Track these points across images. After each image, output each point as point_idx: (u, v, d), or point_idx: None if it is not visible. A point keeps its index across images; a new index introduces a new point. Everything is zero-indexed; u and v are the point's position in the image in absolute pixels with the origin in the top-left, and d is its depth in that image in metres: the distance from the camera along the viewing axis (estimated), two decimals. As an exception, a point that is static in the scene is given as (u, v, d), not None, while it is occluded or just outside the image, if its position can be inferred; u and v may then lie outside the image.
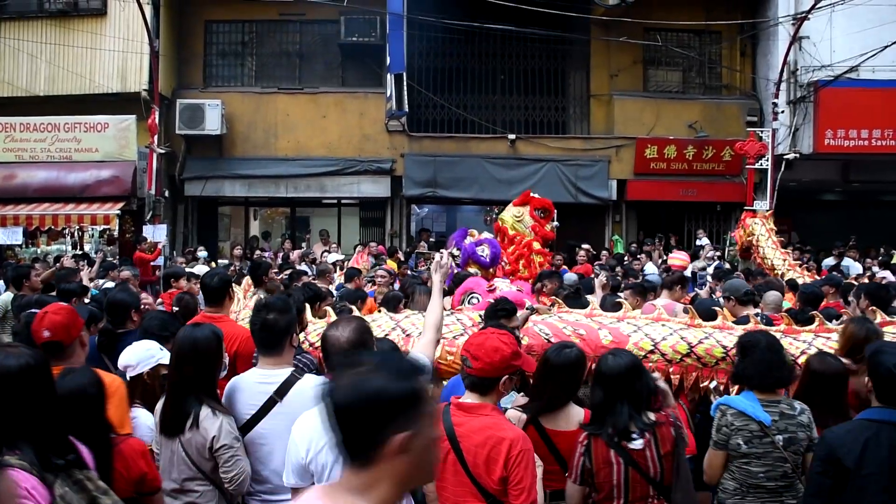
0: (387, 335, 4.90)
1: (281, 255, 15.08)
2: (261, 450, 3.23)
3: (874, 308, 5.41)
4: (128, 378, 3.45)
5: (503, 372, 2.92)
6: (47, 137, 14.23)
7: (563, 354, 3.35)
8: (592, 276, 10.31)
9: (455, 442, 2.84)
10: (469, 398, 2.93)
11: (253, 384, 3.27)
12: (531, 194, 9.44)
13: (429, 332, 3.41)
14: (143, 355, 3.46)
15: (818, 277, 9.52)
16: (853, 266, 13.48)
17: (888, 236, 16.15)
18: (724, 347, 4.74)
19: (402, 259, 13.11)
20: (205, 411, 3.15)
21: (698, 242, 15.59)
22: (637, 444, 3.11)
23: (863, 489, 2.84)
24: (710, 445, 3.50)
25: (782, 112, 14.95)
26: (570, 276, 9.42)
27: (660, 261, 13.28)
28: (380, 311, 5.39)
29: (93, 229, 14.30)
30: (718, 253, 14.53)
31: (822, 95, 14.77)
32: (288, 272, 9.19)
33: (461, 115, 16.71)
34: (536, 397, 3.43)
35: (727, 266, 12.85)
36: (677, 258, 12.44)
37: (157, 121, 14.12)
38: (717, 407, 3.54)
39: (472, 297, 7.38)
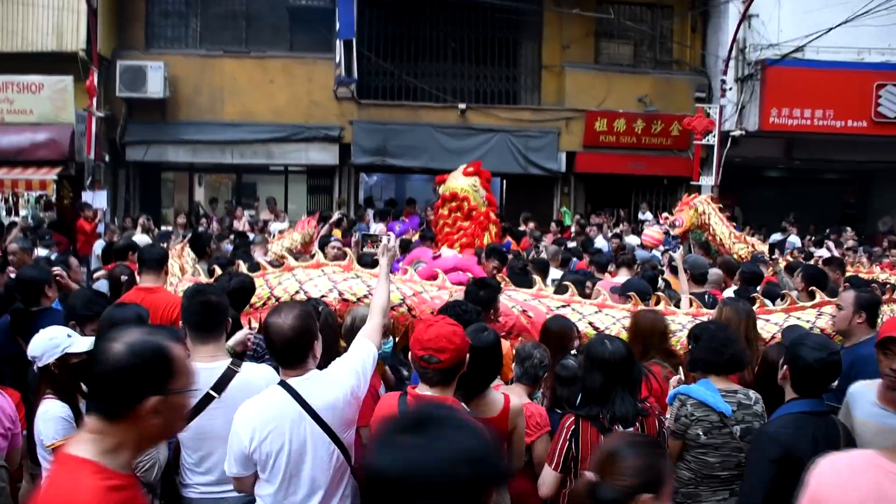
0: (324, 297, 4.92)
1: (224, 223, 14.82)
2: (200, 444, 3.17)
3: (813, 288, 5.56)
4: (35, 369, 3.32)
5: (465, 354, 2.87)
6: (-23, 98, 13.57)
7: (481, 338, 3.24)
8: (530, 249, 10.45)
9: None
10: (431, 392, 2.86)
11: None
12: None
13: (375, 315, 3.32)
14: (48, 346, 3.29)
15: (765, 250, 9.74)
16: (796, 242, 13.86)
17: (828, 212, 16.64)
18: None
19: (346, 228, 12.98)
20: None
21: (641, 216, 15.82)
22: (628, 430, 3.12)
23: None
24: (667, 434, 3.44)
25: (730, 89, 15.12)
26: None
27: (610, 234, 13.37)
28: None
29: (28, 195, 13.74)
30: (665, 225, 14.75)
31: (768, 74, 14.98)
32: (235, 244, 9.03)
33: (411, 83, 16.48)
34: (459, 385, 3.38)
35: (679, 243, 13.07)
36: (651, 234, 12.52)
37: (95, 82, 13.53)
38: (676, 396, 3.52)
39: (417, 265, 7.38)
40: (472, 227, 8.40)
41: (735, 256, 9.96)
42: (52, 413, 3.23)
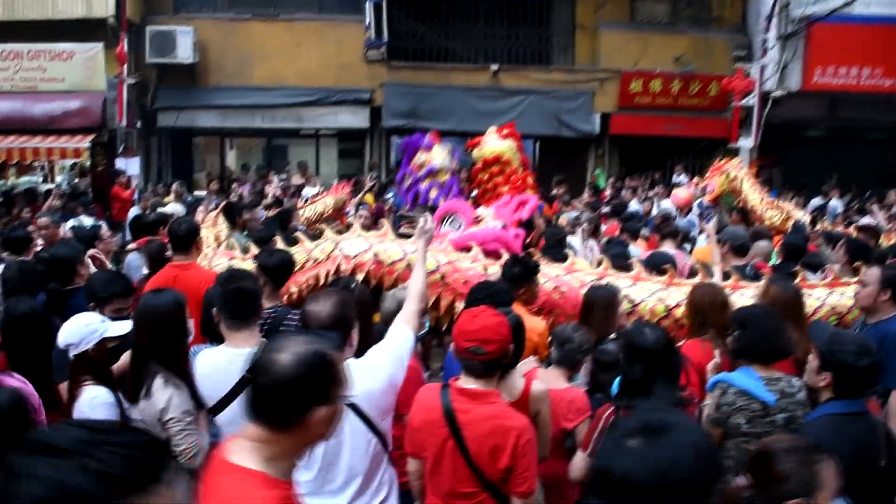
0: (357, 256, 4.94)
1: (256, 188, 14.80)
2: (235, 429, 3.10)
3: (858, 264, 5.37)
4: (71, 357, 3.27)
5: (509, 346, 2.81)
6: (10, 66, 13.59)
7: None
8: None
9: (457, 429, 2.73)
10: (475, 385, 2.78)
11: (223, 363, 3.11)
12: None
13: (412, 301, 3.22)
14: (85, 332, 3.24)
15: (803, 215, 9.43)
16: (838, 206, 13.48)
17: (871, 173, 16.12)
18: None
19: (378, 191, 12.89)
20: (157, 382, 3.08)
21: (675, 179, 15.48)
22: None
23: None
24: (706, 421, 3.34)
25: (772, 48, 14.61)
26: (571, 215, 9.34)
27: (644, 198, 13.12)
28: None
29: (62, 163, 13.85)
30: (697, 190, 14.44)
31: (813, 31, 14.43)
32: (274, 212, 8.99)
33: (442, 45, 16.21)
34: None
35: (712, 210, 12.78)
36: (680, 194, 12.25)
37: (125, 49, 13.51)
38: (716, 384, 3.39)
39: (453, 220, 7.21)
40: (510, 191, 8.28)
41: (767, 224, 9.71)
42: (100, 399, 3.22)
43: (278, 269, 4.48)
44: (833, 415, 2.93)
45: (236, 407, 3.04)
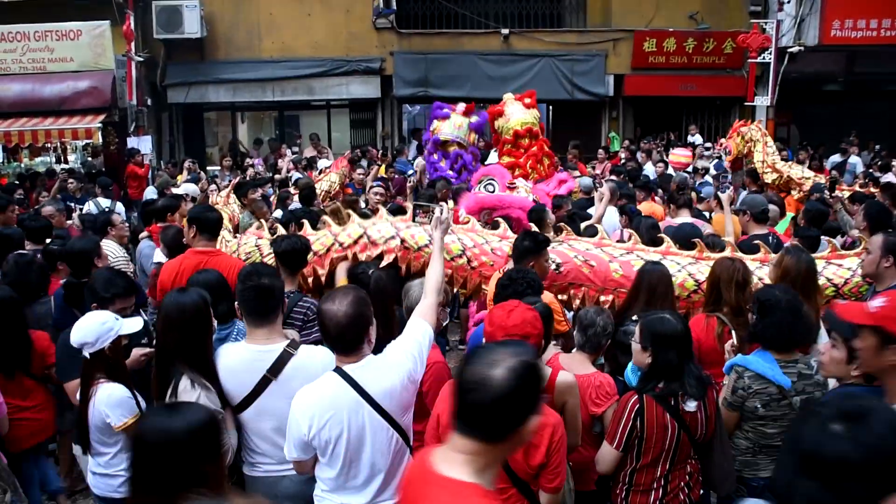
0: (386, 242, 4.93)
1: (269, 161, 14.79)
2: (257, 425, 3.16)
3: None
4: (86, 355, 3.27)
5: (543, 339, 2.82)
6: (17, 47, 13.53)
7: None
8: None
9: None
10: None
11: (245, 361, 3.13)
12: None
13: (430, 295, 3.19)
14: (101, 331, 3.26)
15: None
16: (858, 163, 13.26)
17: (887, 126, 15.83)
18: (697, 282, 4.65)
19: (389, 163, 12.83)
20: (184, 383, 3.03)
21: (690, 139, 15.29)
22: (692, 406, 3.04)
23: None
24: (723, 404, 3.35)
25: (788, 2, 14.27)
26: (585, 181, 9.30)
27: (658, 160, 12.97)
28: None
29: (75, 143, 13.86)
30: (715, 150, 14.25)
31: (830, -17, 14.09)
32: (279, 193, 8.92)
33: (452, 10, 15.98)
34: None
35: (726, 163, 12.61)
36: (679, 155, 12.12)
37: (132, 26, 13.42)
38: (733, 367, 3.37)
39: (489, 183, 7.23)
40: (528, 160, 8.28)
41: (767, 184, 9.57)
42: (117, 396, 3.26)
43: (288, 254, 4.47)
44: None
45: (259, 404, 3.11)
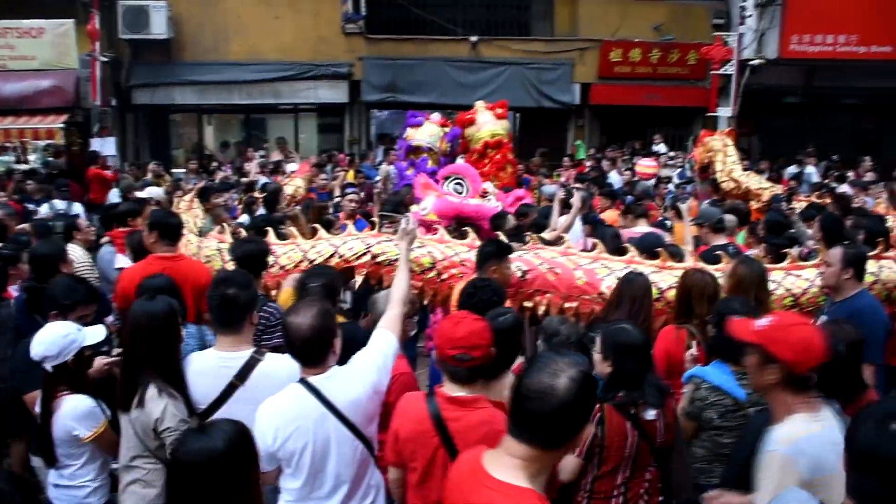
0: (358, 258, 4.92)
1: (235, 164, 14.65)
2: None
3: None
4: (49, 369, 3.22)
5: (492, 350, 2.80)
6: (-23, 44, 13.32)
7: (499, 321, 3.17)
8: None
9: (448, 438, 2.72)
10: (462, 391, 2.77)
11: (212, 368, 3.14)
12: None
13: (395, 306, 3.21)
14: (63, 343, 3.21)
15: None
16: (814, 173, 13.56)
17: (848, 140, 16.22)
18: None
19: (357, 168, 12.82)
20: (151, 391, 3.02)
21: (654, 148, 15.50)
22: (651, 414, 3.08)
23: None
24: (681, 414, 3.42)
25: (750, 16, 14.55)
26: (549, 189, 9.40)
27: (624, 168, 13.15)
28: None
29: (36, 143, 13.63)
30: (680, 159, 14.49)
31: (790, -2, 14.39)
32: (245, 198, 8.86)
33: (421, 16, 16.03)
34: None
35: (688, 173, 12.84)
36: (645, 165, 12.28)
37: (97, 25, 13.24)
38: (690, 378, 3.46)
39: (458, 182, 7.19)
40: (491, 168, 8.41)
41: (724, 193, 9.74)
42: (82, 408, 3.22)
43: (246, 259, 4.43)
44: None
45: (225, 410, 3.07)
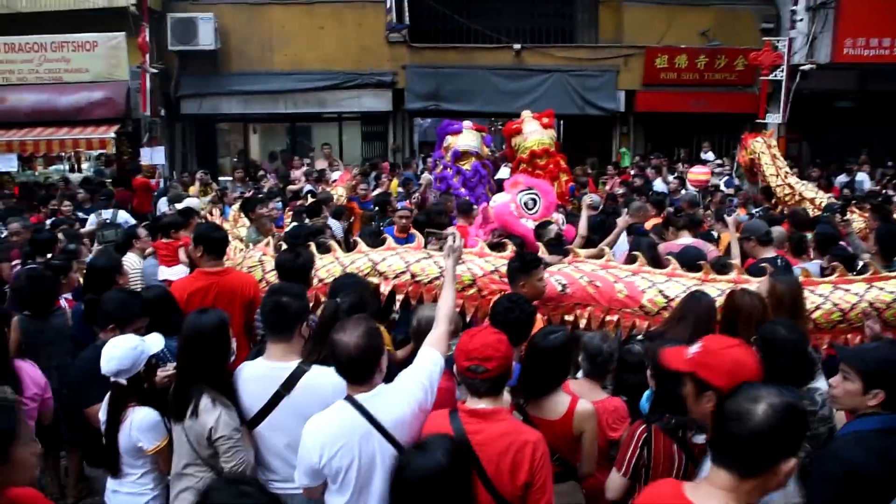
0: (397, 277, 4.87)
1: (280, 172, 14.82)
2: (270, 441, 3.21)
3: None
4: (124, 382, 3.31)
5: (510, 363, 2.80)
6: (34, 58, 13.70)
7: (549, 340, 3.21)
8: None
9: (471, 452, 2.70)
10: (482, 404, 2.77)
11: (261, 377, 3.20)
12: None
13: (441, 324, 3.20)
14: (134, 355, 3.30)
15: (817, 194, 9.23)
16: (866, 180, 13.22)
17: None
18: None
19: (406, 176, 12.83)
20: (205, 401, 3.11)
21: (703, 156, 15.29)
22: (700, 439, 2.99)
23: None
24: None
25: (800, 20, 14.26)
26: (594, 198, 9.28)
27: (670, 176, 12.97)
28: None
29: (89, 153, 13.99)
30: (727, 167, 14.25)
31: (843, 1, 14.04)
32: (290, 213, 8.87)
33: (464, 24, 16.06)
34: (524, 383, 3.30)
35: (736, 181, 12.63)
36: (697, 173, 12.09)
37: (147, 38, 13.55)
38: None
39: (532, 197, 6.85)
40: (543, 177, 8.38)
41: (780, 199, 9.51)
42: (149, 420, 3.31)
43: (286, 271, 4.52)
44: (867, 431, 2.76)
45: (272, 419, 3.16)
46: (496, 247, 5.76)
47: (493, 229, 6.83)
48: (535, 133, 8.55)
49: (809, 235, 6.41)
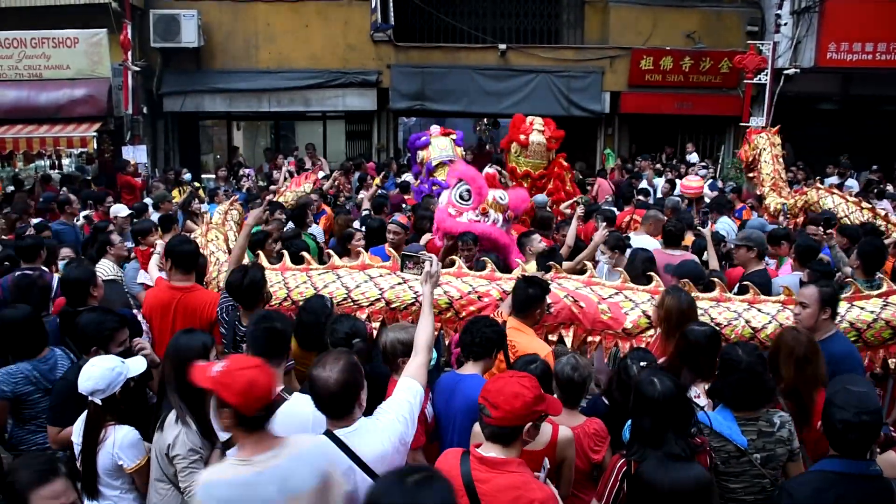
0: (371, 305, 4.79)
1: (263, 170, 14.73)
2: None
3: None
4: (99, 402, 3.26)
5: (525, 419, 2.70)
6: (14, 54, 13.46)
7: (528, 370, 3.20)
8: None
9: (475, 500, 2.65)
10: (493, 451, 2.71)
11: None
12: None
13: (420, 353, 3.18)
14: (112, 377, 3.27)
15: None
16: (854, 186, 13.29)
17: (884, 146, 15.90)
18: (753, 329, 4.52)
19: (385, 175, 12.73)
20: (170, 417, 3.15)
21: (687, 158, 15.34)
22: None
23: None
24: None
25: (784, 24, 14.32)
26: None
27: (658, 179, 12.98)
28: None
29: (70, 151, 13.79)
30: (711, 171, 14.30)
31: (827, 6, 14.11)
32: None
33: (450, 24, 15.99)
34: None
35: (720, 184, 12.65)
36: (691, 183, 12.10)
37: (129, 35, 13.37)
38: (694, 423, 3.38)
39: (465, 188, 6.54)
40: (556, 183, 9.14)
41: (771, 207, 9.53)
42: (129, 439, 3.28)
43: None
44: (825, 472, 2.81)
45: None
46: (450, 251, 5.77)
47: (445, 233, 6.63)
48: (533, 155, 9.06)
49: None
